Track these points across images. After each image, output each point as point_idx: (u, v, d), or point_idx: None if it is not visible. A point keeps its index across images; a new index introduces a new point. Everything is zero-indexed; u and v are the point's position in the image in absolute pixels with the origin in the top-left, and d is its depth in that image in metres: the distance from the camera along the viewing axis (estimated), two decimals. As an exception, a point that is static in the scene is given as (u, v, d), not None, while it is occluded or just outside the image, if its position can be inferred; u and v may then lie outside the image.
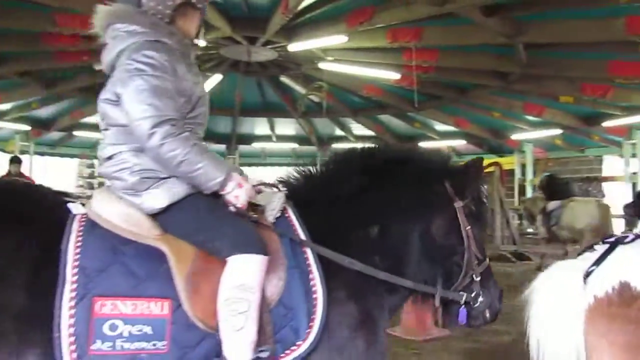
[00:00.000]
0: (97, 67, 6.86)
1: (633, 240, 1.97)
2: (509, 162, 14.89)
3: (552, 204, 8.67)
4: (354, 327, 1.71)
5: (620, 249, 1.95)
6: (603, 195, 12.94)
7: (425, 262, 1.92)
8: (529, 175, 14.78)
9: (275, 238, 1.74)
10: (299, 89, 11.84)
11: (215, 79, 10.44)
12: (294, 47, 8.56)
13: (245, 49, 8.88)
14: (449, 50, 8.79)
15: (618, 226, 9.20)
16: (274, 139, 17.14)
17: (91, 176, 17.20)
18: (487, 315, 1.99)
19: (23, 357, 1.41)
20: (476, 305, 1.93)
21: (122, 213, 1.65)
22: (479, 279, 1.94)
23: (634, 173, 11.97)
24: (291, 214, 1.82)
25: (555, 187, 9.00)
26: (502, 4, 6.57)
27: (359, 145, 2.13)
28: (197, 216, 1.69)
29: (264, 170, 25.23)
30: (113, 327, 1.47)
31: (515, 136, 13.91)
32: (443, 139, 16.00)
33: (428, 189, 1.95)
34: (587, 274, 1.90)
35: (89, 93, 10.14)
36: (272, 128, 16.46)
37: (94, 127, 11.95)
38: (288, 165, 21.66)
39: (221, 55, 9.55)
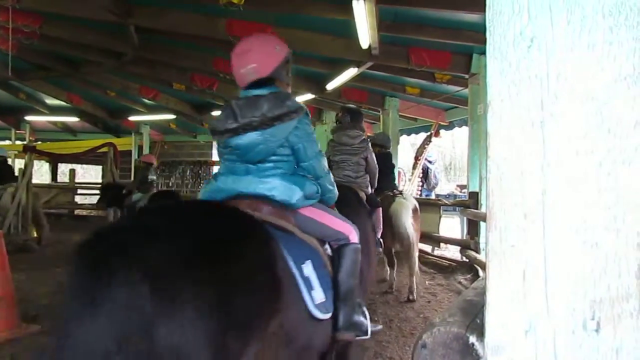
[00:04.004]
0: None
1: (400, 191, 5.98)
2: (126, 142, 14.51)
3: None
4: None
5: (405, 193, 6.09)
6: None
7: None
8: (147, 157, 14.82)
9: None
10: None
11: None
12: None
13: None
14: (55, 19, 7.68)
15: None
16: None
17: None
18: None
19: None
20: None
21: None
22: None
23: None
24: None
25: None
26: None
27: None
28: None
29: None
30: None
31: (132, 117, 13.60)
32: (54, 115, 14.39)
33: None
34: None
35: None
36: None
37: None
38: None
39: None
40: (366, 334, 2.20)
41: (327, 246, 2.19)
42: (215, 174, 2.25)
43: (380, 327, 3.00)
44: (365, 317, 2.22)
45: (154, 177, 9.18)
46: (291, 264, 1.77)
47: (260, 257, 1.52)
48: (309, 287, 1.82)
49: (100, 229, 1.30)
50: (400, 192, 5.99)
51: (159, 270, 1.16)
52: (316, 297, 1.85)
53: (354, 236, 2.25)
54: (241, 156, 2.10)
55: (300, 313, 1.77)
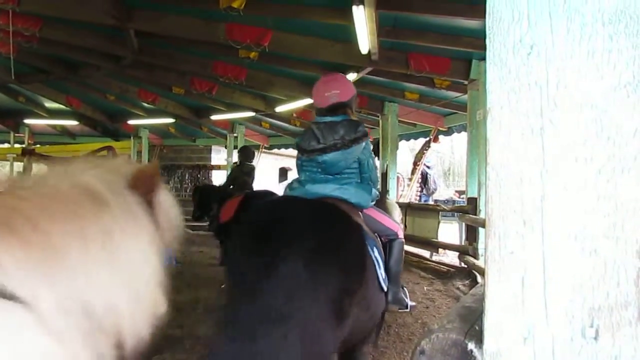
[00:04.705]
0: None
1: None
2: (124, 146, 14.46)
3: None
4: None
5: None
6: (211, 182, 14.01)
7: None
8: (145, 160, 14.82)
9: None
10: None
11: None
12: None
13: None
14: (55, 22, 7.69)
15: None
16: None
17: None
18: None
19: None
20: None
21: None
22: None
23: (235, 163, 13.35)
24: None
25: None
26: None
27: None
28: None
29: None
30: None
31: (131, 121, 13.60)
32: (53, 118, 14.38)
33: None
34: None
35: None
36: None
37: None
38: None
39: None
40: (407, 307, 2.87)
41: (378, 239, 2.70)
42: (297, 180, 2.81)
43: (414, 303, 3.44)
44: (405, 295, 2.86)
45: None
46: (369, 248, 2.34)
47: (359, 245, 2.18)
48: (379, 266, 2.43)
49: (261, 219, 2.03)
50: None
51: (307, 253, 1.79)
52: (383, 274, 2.46)
53: (400, 233, 2.83)
54: (325, 169, 2.68)
55: (375, 285, 2.40)
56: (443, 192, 17.33)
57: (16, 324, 0.93)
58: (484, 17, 0.76)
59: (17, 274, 0.95)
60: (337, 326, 1.87)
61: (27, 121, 14.56)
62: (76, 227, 1.05)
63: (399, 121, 9.92)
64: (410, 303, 2.90)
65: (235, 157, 13.50)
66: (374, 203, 2.81)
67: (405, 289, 2.90)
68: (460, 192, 13.70)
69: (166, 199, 1.33)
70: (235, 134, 13.45)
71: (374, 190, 2.77)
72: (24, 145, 13.96)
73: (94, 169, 1.20)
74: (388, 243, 2.75)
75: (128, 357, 1.09)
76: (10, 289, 0.92)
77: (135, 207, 1.17)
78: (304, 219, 1.95)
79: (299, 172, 2.85)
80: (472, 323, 0.86)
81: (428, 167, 11.40)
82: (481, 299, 0.81)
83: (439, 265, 8.05)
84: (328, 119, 2.70)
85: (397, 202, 8.69)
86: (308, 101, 9.42)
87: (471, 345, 0.80)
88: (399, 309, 2.85)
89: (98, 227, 1.07)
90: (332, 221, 2.08)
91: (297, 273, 1.72)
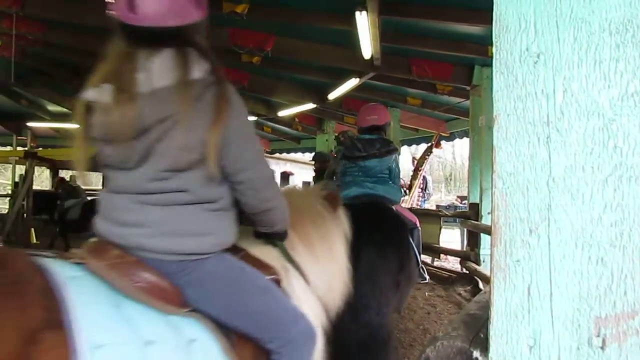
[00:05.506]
0: None
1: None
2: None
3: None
4: None
5: None
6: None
7: None
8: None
9: None
10: None
11: None
12: None
13: None
14: (59, 26, 7.72)
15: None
16: None
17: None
18: None
19: None
20: None
21: None
22: None
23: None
24: None
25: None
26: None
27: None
28: None
29: None
30: None
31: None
32: (56, 121, 14.41)
33: None
34: None
35: None
36: None
37: None
38: None
39: None
40: (425, 279, 3.85)
41: None
42: (343, 182, 3.50)
43: (427, 277, 4.18)
44: (424, 271, 3.74)
45: (80, 184, 10.30)
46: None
47: (406, 236, 3.14)
48: (413, 248, 3.28)
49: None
50: None
51: (379, 243, 2.74)
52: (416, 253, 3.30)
53: (418, 223, 3.65)
54: (365, 172, 3.41)
55: (414, 262, 3.24)
56: (444, 197, 17.32)
57: (299, 285, 1.51)
58: (487, 23, 0.76)
59: (301, 257, 1.57)
60: (396, 291, 2.83)
61: (29, 124, 14.57)
62: (316, 230, 1.70)
63: (401, 126, 9.93)
64: (427, 276, 3.88)
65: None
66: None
67: (423, 265, 3.73)
68: (462, 198, 13.70)
69: (343, 214, 2.00)
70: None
71: (402, 191, 3.69)
72: (26, 148, 13.99)
73: (308, 193, 1.98)
74: (409, 231, 3.46)
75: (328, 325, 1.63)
76: (298, 263, 1.54)
77: (333, 218, 1.84)
78: (374, 218, 2.93)
79: (342, 175, 3.59)
80: (477, 331, 0.86)
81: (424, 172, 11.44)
82: (486, 307, 0.81)
83: (441, 271, 8.02)
84: (367, 136, 3.46)
85: (399, 208, 8.61)
86: (310, 106, 9.44)
87: (476, 353, 0.80)
88: (421, 281, 3.81)
89: (323, 231, 1.73)
90: (390, 220, 3.11)
91: (374, 258, 2.69)
